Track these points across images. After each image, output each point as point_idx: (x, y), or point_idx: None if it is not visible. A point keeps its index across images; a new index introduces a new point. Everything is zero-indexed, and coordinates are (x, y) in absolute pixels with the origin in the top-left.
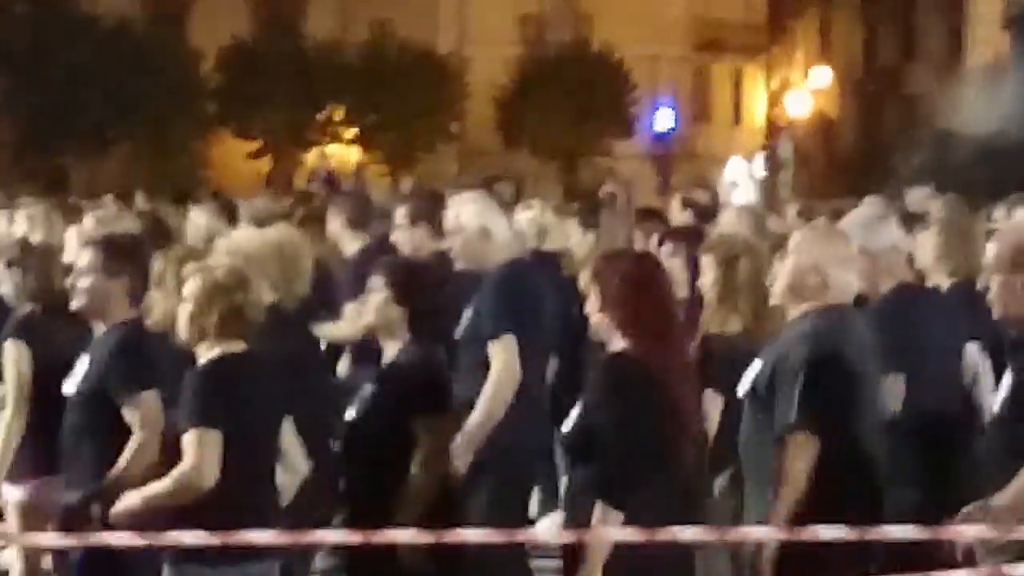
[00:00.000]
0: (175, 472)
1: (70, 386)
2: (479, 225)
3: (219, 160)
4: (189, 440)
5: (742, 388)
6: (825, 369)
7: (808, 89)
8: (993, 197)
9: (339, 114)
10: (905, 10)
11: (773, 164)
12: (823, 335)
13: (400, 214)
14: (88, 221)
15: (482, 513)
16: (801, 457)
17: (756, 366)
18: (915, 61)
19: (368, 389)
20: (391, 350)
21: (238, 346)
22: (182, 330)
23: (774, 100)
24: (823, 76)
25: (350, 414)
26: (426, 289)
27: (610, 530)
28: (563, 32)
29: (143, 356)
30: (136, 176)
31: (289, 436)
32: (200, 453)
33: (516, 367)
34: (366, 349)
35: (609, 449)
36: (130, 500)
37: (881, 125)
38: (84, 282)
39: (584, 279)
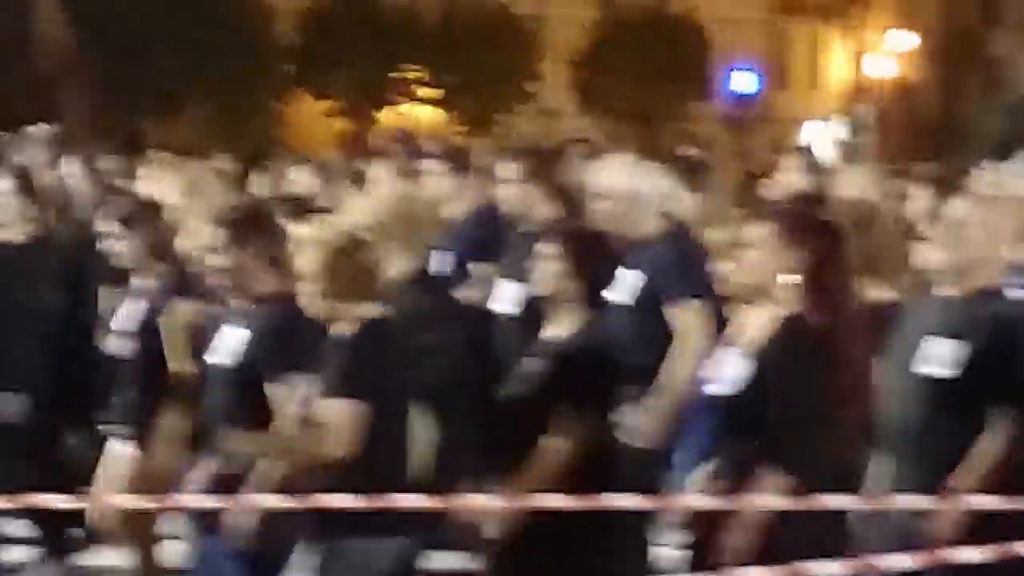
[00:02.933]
0: (313, 436)
1: (216, 356)
2: (629, 189)
3: (294, 120)
4: (332, 410)
5: (924, 367)
6: None
7: (887, 52)
8: None
9: (415, 75)
10: None
11: (853, 128)
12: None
13: (509, 170)
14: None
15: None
16: (1002, 439)
17: (947, 346)
18: (997, 25)
19: (535, 364)
20: (562, 324)
21: (374, 310)
22: (311, 304)
23: (853, 63)
24: (903, 39)
25: (512, 388)
26: (602, 261)
27: (768, 497)
28: None
29: (295, 336)
30: (211, 135)
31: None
32: (344, 424)
33: (703, 333)
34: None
35: (786, 415)
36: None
37: (962, 89)
38: (219, 260)
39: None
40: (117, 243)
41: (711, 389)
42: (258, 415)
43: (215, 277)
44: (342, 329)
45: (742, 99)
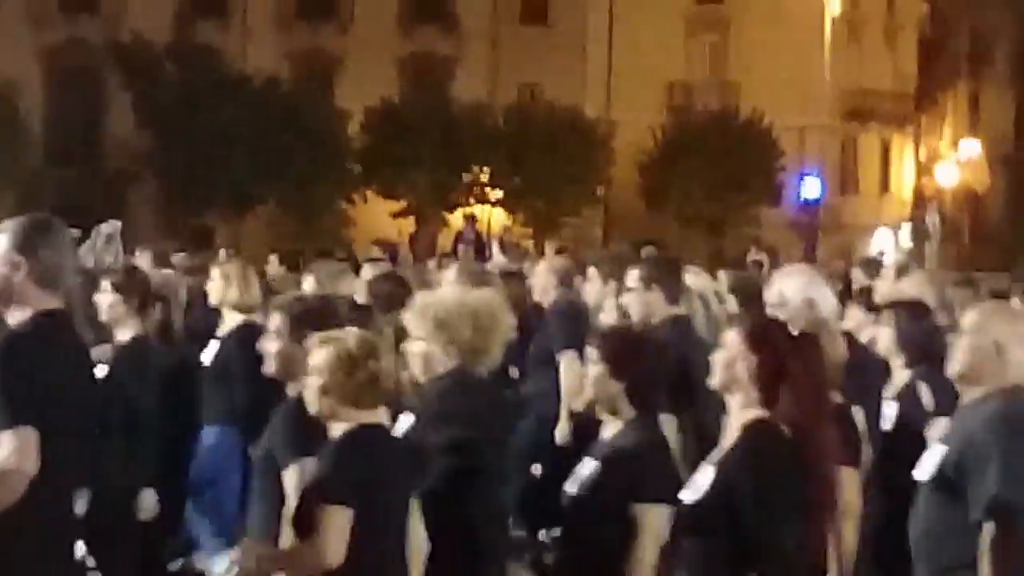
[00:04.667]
0: (302, 547)
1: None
2: (804, 298)
3: (363, 220)
4: (319, 516)
5: (923, 473)
6: (1018, 454)
7: (956, 160)
8: None
9: (485, 176)
10: None
11: (920, 235)
12: (1013, 419)
13: (633, 276)
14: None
15: None
16: (1005, 542)
17: (939, 450)
18: None
19: (590, 466)
20: (612, 427)
21: (373, 417)
22: (311, 403)
23: (922, 171)
24: (972, 148)
25: (571, 489)
26: (645, 360)
27: None
28: (710, 99)
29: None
30: (279, 234)
31: (414, 512)
32: (329, 530)
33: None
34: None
35: (756, 521)
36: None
37: None
38: (274, 346)
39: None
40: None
41: (682, 496)
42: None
43: (269, 362)
44: (337, 432)
45: (810, 205)
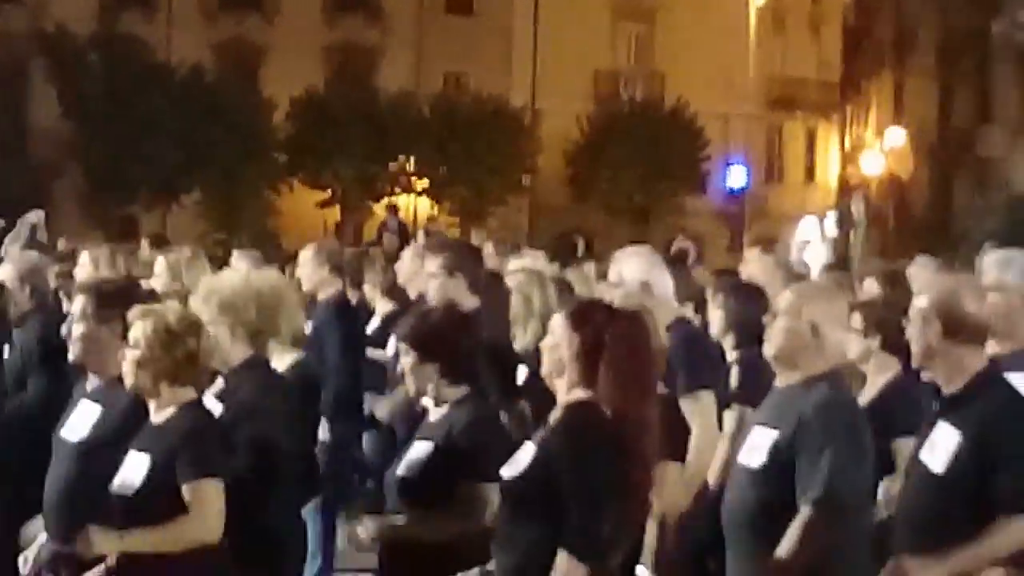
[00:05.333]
0: (183, 522)
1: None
2: (642, 280)
3: (288, 210)
4: (195, 492)
5: (749, 457)
6: (850, 440)
7: (881, 149)
8: None
9: (410, 166)
10: (980, 73)
11: (845, 223)
12: (843, 407)
13: (435, 264)
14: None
15: None
16: (818, 530)
17: (769, 435)
18: (990, 124)
19: (421, 448)
20: (438, 410)
21: (189, 394)
22: (127, 375)
23: (847, 159)
24: (896, 136)
25: (401, 470)
26: (451, 338)
27: None
28: (636, 88)
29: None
30: (205, 224)
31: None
32: (208, 504)
33: (715, 423)
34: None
35: (571, 499)
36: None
37: (954, 188)
38: (78, 329)
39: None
40: None
41: (503, 472)
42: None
43: (73, 347)
44: (161, 410)
45: (735, 194)
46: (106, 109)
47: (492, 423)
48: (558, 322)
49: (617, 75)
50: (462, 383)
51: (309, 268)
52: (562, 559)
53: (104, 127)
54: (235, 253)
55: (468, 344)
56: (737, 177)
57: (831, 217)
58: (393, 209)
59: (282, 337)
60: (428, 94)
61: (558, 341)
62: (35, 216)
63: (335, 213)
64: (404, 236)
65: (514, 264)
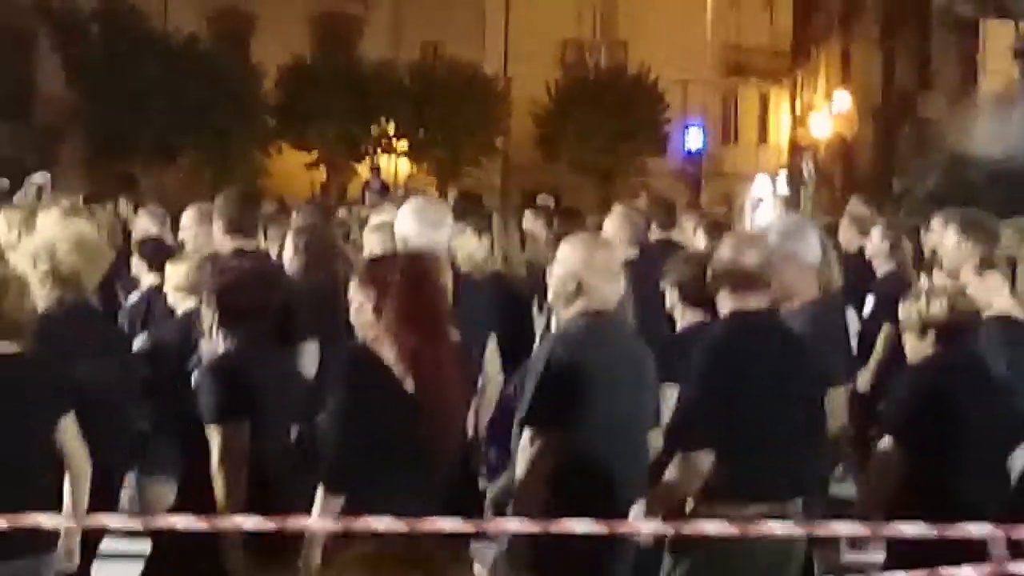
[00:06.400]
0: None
1: None
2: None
3: (277, 170)
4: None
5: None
6: (561, 370)
7: (829, 112)
8: (1001, 217)
9: (390, 129)
10: (921, 40)
11: (796, 182)
12: (568, 338)
13: (220, 224)
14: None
15: None
16: (530, 451)
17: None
18: (930, 88)
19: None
20: (207, 349)
21: (8, 347)
22: None
23: (797, 122)
24: (843, 100)
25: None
26: (231, 289)
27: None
28: (601, 56)
29: None
30: (200, 183)
31: (70, 435)
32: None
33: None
34: None
35: (333, 438)
36: None
37: (897, 147)
38: None
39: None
40: None
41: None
42: None
43: None
44: None
45: (693, 155)
46: (107, 76)
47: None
48: (353, 287)
49: (583, 44)
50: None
51: (192, 228)
52: (319, 491)
53: (105, 92)
54: (140, 211)
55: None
56: (695, 139)
57: (782, 176)
58: (376, 169)
59: (91, 287)
60: (407, 62)
61: (358, 304)
62: (41, 177)
63: (321, 173)
64: (386, 194)
65: (375, 220)
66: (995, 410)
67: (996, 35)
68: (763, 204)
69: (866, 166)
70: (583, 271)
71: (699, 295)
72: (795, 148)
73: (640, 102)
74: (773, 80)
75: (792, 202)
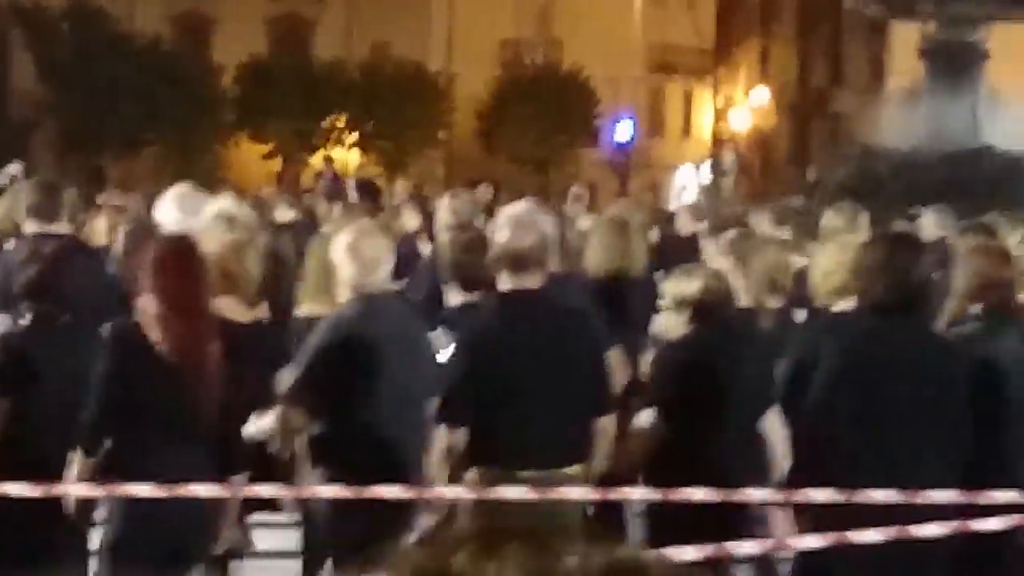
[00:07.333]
0: None
1: None
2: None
3: (236, 161)
4: None
5: None
6: (321, 347)
7: (748, 107)
8: (907, 205)
9: (341, 122)
10: (834, 39)
11: (718, 172)
12: (332, 320)
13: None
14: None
15: None
16: (289, 423)
17: None
18: (842, 85)
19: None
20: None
21: None
22: None
23: (719, 116)
24: (761, 96)
25: None
26: (16, 271)
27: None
28: (537, 55)
29: None
30: (163, 174)
31: None
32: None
33: None
34: None
35: (91, 405)
36: None
37: (810, 140)
38: None
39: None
40: None
41: None
42: None
43: None
44: None
45: (623, 146)
46: (77, 73)
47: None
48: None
49: (520, 44)
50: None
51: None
52: (76, 454)
53: (75, 89)
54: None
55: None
56: (624, 132)
57: (705, 166)
58: (328, 160)
59: None
60: (357, 60)
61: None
62: (15, 168)
63: (277, 164)
64: (337, 184)
65: (211, 207)
66: (745, 382)
67: (903, 35)
68: (687, 191)
69: (782, 157)
70: (344, 257)
71: (469, 276)
72: (717, 140)
73: (573, 97)
74: (697, 77)
75: (714, 190)
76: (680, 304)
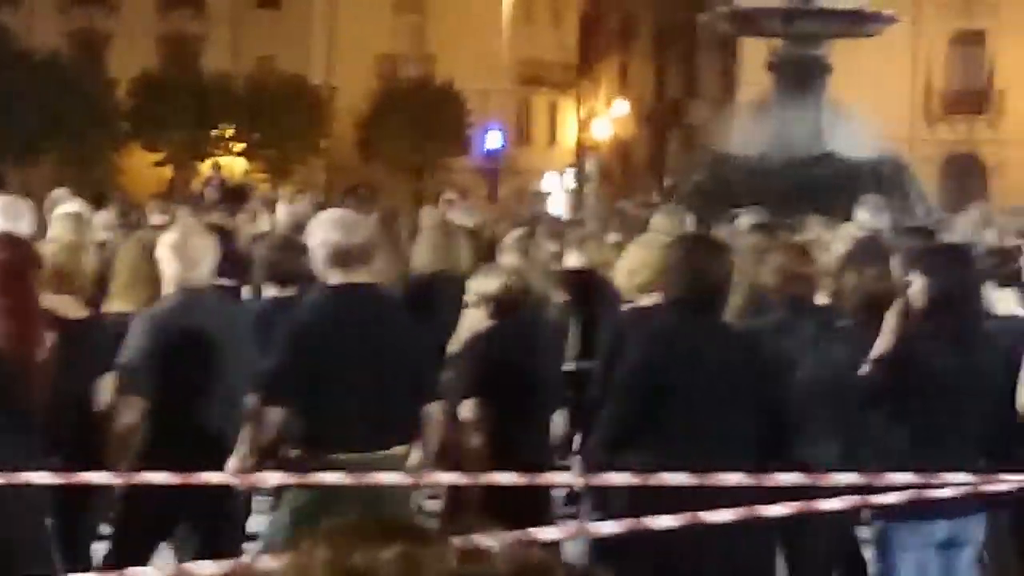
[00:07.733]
0: None
1: None
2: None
3: (129, 168)
4: None
5: None
6: (148, 341)
7: (609, 118)
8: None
9: (229, 132)
10: (688, 55)
11: (581, 178)
12: (151, 312)
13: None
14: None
15: None
16: (127, 412)
17: None
18: (696, 97)
19: None
20: None
21: None
22: None
23: (582, 126)
24: (621, 107)
25: None
26: None
27: None
28: (413, 69)
29: None
30: (62, 181)
31: None
32: None
33: None
34: None
35: None
36: None
37: (667, 148)
38: None
39: None
40: None
41: None
42: None
43: None
44: None
45: (492, 154)
46: None
47: None
48: None
49: (397, 58)
50: None
51: None
52: None
53: None
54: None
55: None
56: (494, 140)
57: (569, 173)
58: (216, 167)
59: None
60: (243, 74)
61: None
62: None
63: (168, 171)
64: (224, 189)
65: (60, 209)
66: (541, 372)
67: (752, 51)
68: (552, 196)
69: (641, 164)
70: (168, 255)
71: (282, 273)
72: (580, 149)
73: (446, 109)
74: (562, 90)
75: (577, 194)
76: (482, 300)
